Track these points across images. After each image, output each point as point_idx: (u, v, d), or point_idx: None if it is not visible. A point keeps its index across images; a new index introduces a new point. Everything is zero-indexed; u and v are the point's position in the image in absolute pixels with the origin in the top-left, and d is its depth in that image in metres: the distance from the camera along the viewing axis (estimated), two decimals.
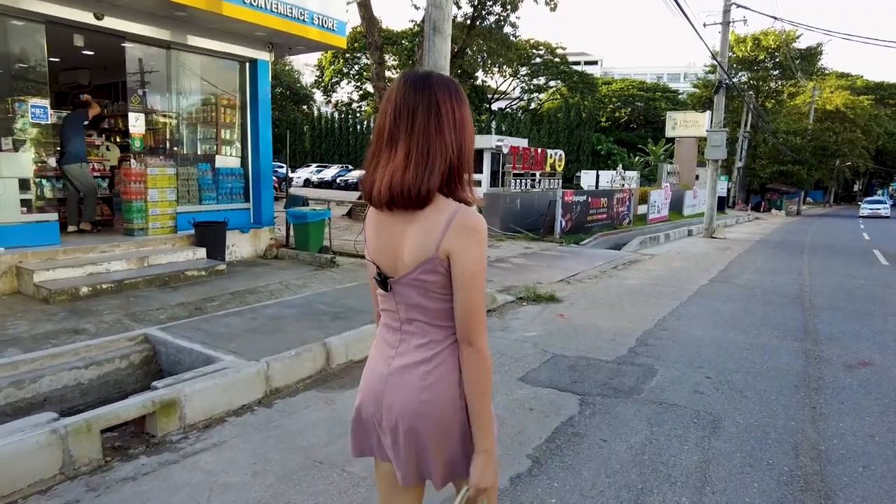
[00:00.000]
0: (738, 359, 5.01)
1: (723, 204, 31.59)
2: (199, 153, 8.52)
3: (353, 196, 15.70)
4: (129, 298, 5.85)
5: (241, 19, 7.24)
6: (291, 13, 7.85)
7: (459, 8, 23.52)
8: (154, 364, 4.40)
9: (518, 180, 16.37)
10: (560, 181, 18.40)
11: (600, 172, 26.55)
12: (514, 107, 47.24)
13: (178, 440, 3.22)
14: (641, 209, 19.90)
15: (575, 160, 37.03)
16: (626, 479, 2.95)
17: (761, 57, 40.02)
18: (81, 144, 7.34)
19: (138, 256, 6.81)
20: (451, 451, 1.38)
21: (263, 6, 7.42)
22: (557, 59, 42.32)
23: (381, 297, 1.45)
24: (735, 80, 34.89)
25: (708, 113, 27.90)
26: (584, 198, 15.99)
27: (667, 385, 4.30)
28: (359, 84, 41.97)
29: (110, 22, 6.68)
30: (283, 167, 23.79)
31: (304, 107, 46.57)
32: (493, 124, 38.06)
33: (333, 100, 44.43)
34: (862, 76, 51.09)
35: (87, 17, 6.46)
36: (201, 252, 7.38)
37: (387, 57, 29.39)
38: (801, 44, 40.65)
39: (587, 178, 27.50)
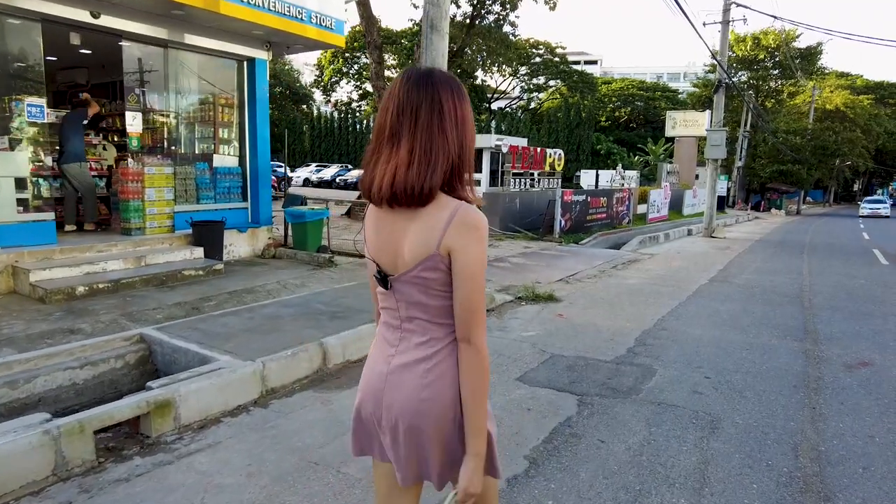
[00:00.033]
0: (738, 359, 4.99)
1: (722, 203, 31.59)
2: (196, 152, 8.49)
3: (352, 195, 15.72)
4: (125, 298, 5.83)
5: (239, 18, 7.21)
6: (289, 12, 7.81)
7: (459, 7, 23.48)
8: (150, 364, 4.37)
9: (517, 180, 16.35)
10: (559, 181, 18.36)
11: (600, 172, 26.47)
12: (514, 106, 47.23)
13: (173, 441, 3.20)
14: (641, 209, 19.87)
15: (574, 160, 37.06)
16: (624, 480, 2.93)
17: (761, 56, 40.02)
18: (81, 144, 7.32)
19: (135, 256, 6.79)
20: (452, 450, 1.37)
21: (261, 5, 7.39)
22: (557, 59, 42.27)
23: (380, 295, 1.44)
24: (735, 79, 34.92)
25: (708, 112, 27.85)
26: (584, 197, 15.95)
27: (665, 385, 4.28)
28: (358, 83, 41.98)
29: (107, 20, 6.66)
30: (281, 166, 23.78)
31: (304, 106, 46.60)
32: (493, 124, 38.07)
33: (333, 99, 44.45)
34: (862, 76, 51.07)
35: (83, 16, 6.43)
36: (199, 251, 7.36)
37: (386, 56, 29.35)
38: (801, 43, 40.73)
39: (587, 178, 27.48)
